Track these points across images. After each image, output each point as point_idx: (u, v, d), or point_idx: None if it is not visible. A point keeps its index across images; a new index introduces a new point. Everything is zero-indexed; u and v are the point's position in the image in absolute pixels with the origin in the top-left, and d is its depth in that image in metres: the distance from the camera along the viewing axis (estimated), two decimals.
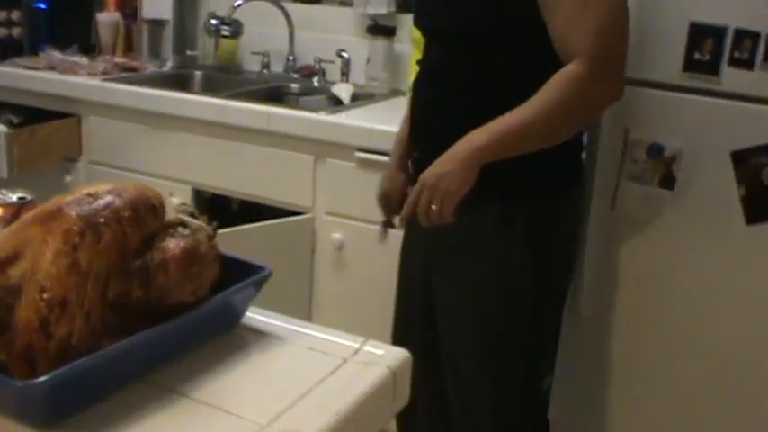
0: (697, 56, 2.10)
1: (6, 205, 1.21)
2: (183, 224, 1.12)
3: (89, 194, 1.00)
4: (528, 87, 1.79)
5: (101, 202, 0.98)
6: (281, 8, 3.36)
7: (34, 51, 3.42)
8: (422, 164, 1.99)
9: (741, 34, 2.07)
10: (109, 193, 1.00)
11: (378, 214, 2.56)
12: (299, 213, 2.75)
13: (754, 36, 2.06)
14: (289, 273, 2.70)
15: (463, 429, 2.08)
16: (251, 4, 3.33)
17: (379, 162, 2.53)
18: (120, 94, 3.07)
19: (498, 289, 1.95)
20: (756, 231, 2.15)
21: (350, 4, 3.29)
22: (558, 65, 1.79)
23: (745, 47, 2.07)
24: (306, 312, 2.74)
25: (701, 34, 2.09)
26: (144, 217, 1.01)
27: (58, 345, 0.91)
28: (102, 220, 0.96)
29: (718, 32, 2.09)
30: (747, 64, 2.08)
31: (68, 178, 3.21)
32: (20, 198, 1.23)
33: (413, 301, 2.13)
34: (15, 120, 3.21)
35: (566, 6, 1.75)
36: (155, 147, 3.02)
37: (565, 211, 2.02)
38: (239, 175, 2.86)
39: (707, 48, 2.11)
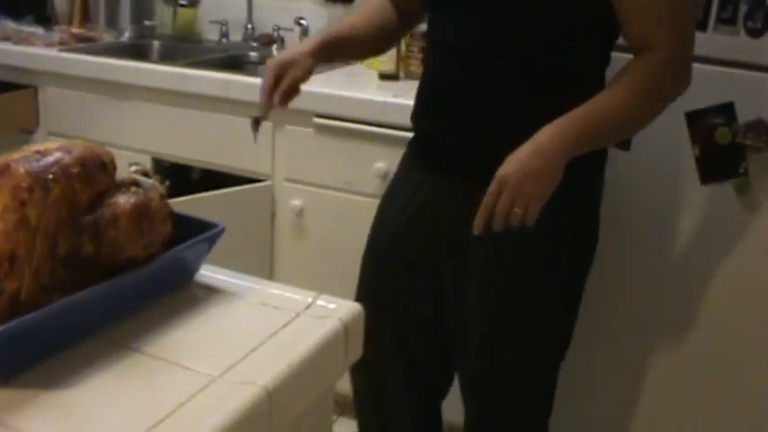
0: None
1: None
2: (136, 183, 1.12)
3: (38, 152, 1.00)
4: (577, 77, 1.71)
5: (49, 158, 0.99)
6: None
7: None
8: (435, 153, 1.84)
9: None
10: (58, 149, 1.00)
11: (336, 179, 2.57)
12: (258, 181, 2.75)
13: None
14: (249, 240, 2.70)
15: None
16: None
17: (338, 128, 2.53)
18: (77, 65, 3.04)
19: (536, 288, 1.82)
20: (710, 191, 2.18)
21: None
22: (594, 59, 1.73)
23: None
24: (267, 279, 2.73)
25: None
26: (93, 173, 1.01)
27: (6, 300, 0.91)
28: (50, 176, 0.96)
29: None
30: (701, 26, 2.10)
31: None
32: None
33: (403, 284, 1.94)
34: None
35: None
36: (113, 117, 3.00)
37: (596, 207, 1.89)
38: (198, 143, 2.84)
39: None
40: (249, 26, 3.36)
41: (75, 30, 3.37)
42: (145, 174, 1.16)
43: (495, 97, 1.71)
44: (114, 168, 1.06)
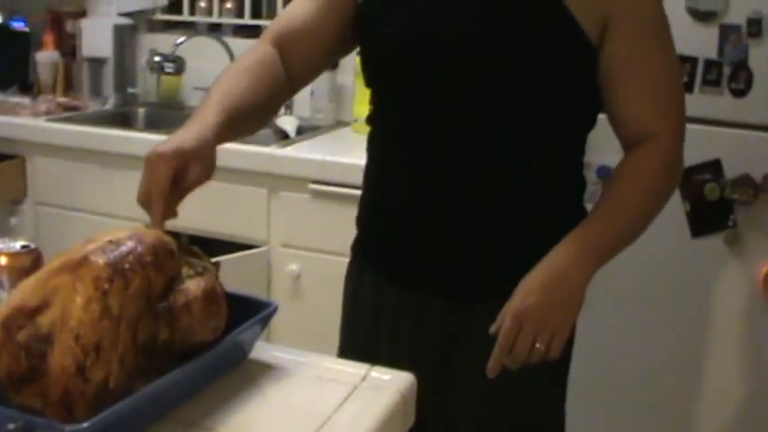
0: None
1: (13, 254, 1.23)
2: (188, 264, 1.16)
3: (110, 242, 1.04)
4: (560, 171, 1.54)
5: (123, 248, 1.02)
6: (223, 43, 3.40)
7: None
8: (411, 266, 1.55)
9: (681, 59, 2.19)
10: (130, 239, 1.04)
11: (334, 243, 2.61)
12: (252, 246, 2.78)
13: (693, 61, 2.18)
14: None
15: None
16: (192, 40, 3.37)
17: (333, 193, 2.57)
18: (64, 134, 3.07)
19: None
20: (701, 243, 2.26)
21: None
22: (576, 152, 1.56)
23: (684, 71, 2.18)
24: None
25: None
26: (164, 261, 1.05)
27: (95, 388, 0.95)
28: (127, 265, 1.00)
29: None
30: (688, 87, 2.19)
31: (14, 220, 3.19)
32: (23, 246, 1.26)
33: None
34: None
35: (654, 76, 1.46)
36: (101, 185, 3.02)
37: None
38: (191, 210, 2.85)
39: None
40: None
41: (61, 99, 3.40)
42: (195, 255, 1.21)
43: (491, 201, 1.48)
44: (180, 254, 1.11)
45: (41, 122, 3.14)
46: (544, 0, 1.40)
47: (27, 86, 3.53)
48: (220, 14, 3.48)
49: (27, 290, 1.02)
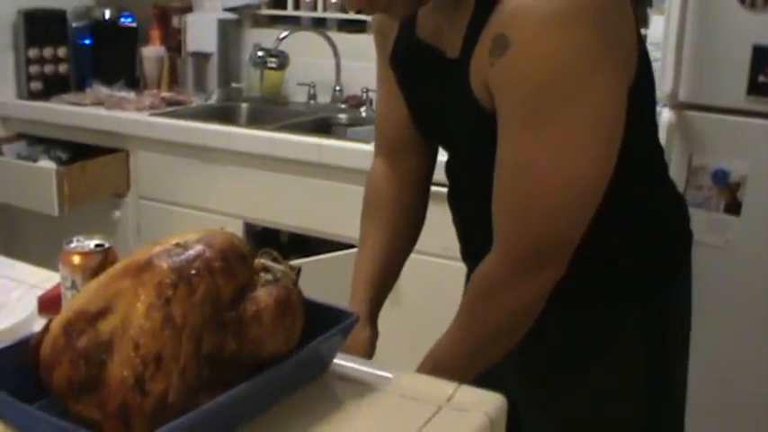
0: (761, 79, 2.06)
1: (86, 253, 1.18)
2: (266, 269, 1.09)
3: (178, 245, 0.97)
4: None
5: (191, 252, 0.96)
6: (327, 38, 3.35)
7: (81, 87, 3.43)
8: None
9: None
10: (198, 242, 0.98)
11: (433, 245, 2.53)
12: (352, 246, 2.72)
13: None
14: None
15: None
16: (296, 35, 3.33)
17: (434, 192, 2.49)
18: (167, 129, 3.06)
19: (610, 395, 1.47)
20: None
21: None
22: None
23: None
24: None
25: (764, 57, 2.05)
26: (234, 266, 0.98)
27: (153, 402, 0.88)
28: (194, 271, 0.94)
29: None
30: None
31: (117, 213, 3.20)
32: (97, 245, 1.21)
33: None
34: (63, 156, 3.22)
35: (509, 166, 1.22)
36: (204, 180, 3.00)
37: (677, 295, 1.53)
38: (291, 207, 2.83)
39: None
40: (337, 88, 3.36)
41: (165, 93, 3.40)
42: (275, 259, 1.13)
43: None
44: (253, 259, 1.03)
45: (145, 117, 3.14)
46: (465, 93, 1.26)
47: (133, 81, 3.55)
48: (325, 9, 3.44)
49: (90, 293, 0.96)
